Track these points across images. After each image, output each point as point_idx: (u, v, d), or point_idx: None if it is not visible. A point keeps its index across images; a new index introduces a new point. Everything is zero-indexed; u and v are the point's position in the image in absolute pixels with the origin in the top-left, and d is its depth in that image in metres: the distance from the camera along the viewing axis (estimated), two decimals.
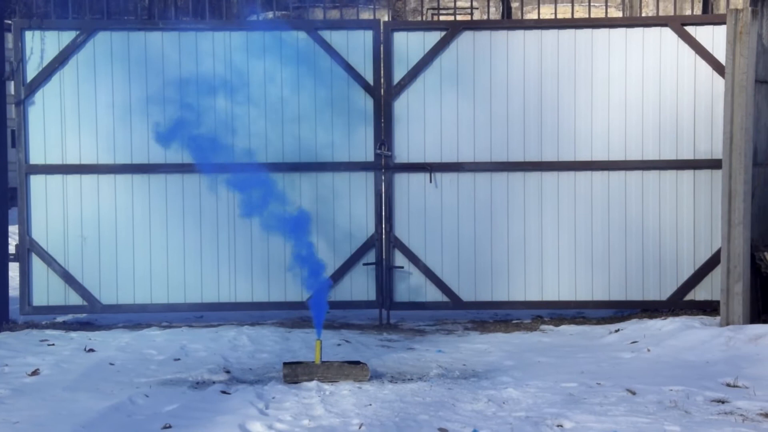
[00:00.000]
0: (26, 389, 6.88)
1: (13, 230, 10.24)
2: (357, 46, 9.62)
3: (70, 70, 9.58)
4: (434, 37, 9.66)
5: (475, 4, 18.20)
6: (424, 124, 9.66)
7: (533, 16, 18.12)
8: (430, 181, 9.65)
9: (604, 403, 6.38)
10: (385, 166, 9.63)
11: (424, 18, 20.30)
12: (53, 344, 8.54)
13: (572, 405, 6.34)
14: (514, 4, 21.16)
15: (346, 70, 9.60)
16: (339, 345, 8.49)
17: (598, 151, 9.62)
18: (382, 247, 9.65)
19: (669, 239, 9.61)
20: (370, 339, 8.86)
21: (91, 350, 8.26)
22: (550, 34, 9.63)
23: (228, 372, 7.42)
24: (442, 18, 17.57)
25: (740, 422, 5.94)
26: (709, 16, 10.03)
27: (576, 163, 9.62)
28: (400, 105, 9.66)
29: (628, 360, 7.77)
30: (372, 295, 9.68)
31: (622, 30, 9.65)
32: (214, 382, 7.11)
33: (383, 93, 9.64)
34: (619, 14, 19.09)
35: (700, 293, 9.62)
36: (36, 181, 9.61)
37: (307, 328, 9.07)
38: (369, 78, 9.62)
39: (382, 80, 9.64)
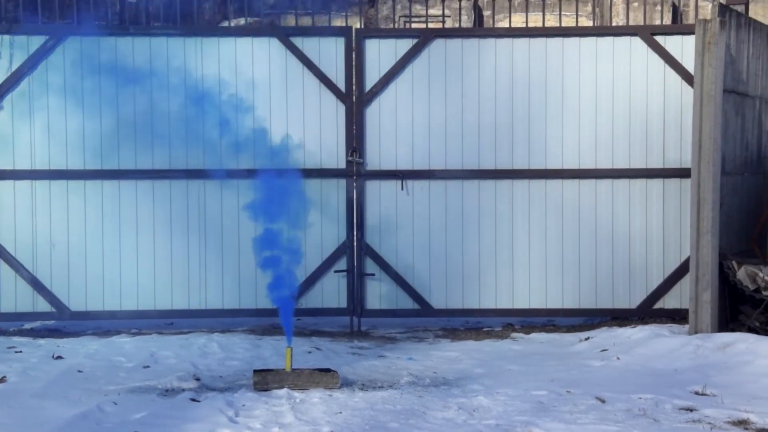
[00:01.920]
0: None
1: None
2: (329, 52, 9.62)
3: (40, 74, 9.50)
4: (406, 44, 9.68)
5: (447, 12, 18.25)
6: (396, 131, 9.67)
7: (505, 24, 18.18)
8: (402, 189, 9.66)
9: (574, 411, 6.40)
10: (356, 173, 9.63)
11: (396, 25, 20.31)
12: (21, 351, 8.46)
13: (542, 413, 6.36)
14: (486, 13, 21.24)
15: (317, 76, 9.60)
16: (310, 352, 8.47)
17: (568, 159, 9.67)
18: (354, 254, 9.64)
19: (639, 247, 9.67)
20: (341, 346, 8.85)
21: (60, 357, 8.19)
22: (521, 43, 9.68)
23: (198, 379, 7.38)
24: (414, 26, 17.60)
25: (708, 430, 5.98)
26: (678, 26, 10.16)
27: (547, 171, 9.66)
28: (371, 112, 9.67)
29: (598, 368, 7.81)
30: (343, 303, 9.67)
31: (592, 39, 9.72)
32: (183, 390, 7.07)
33: (355, 100, 9.64)
34: (590, 23, 19.20)
35: (669, 301, 9.68)
36: (4, 187, 9.53)
37: (277, 335, 9.04)
38: (341, 85, 9.62)
39: (354, 87, 9.64)
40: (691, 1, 18.84)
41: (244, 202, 8.89)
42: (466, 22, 20.11)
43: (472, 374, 7.64)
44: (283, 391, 6.93)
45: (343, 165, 9.63)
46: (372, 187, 9.67)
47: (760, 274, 8.57)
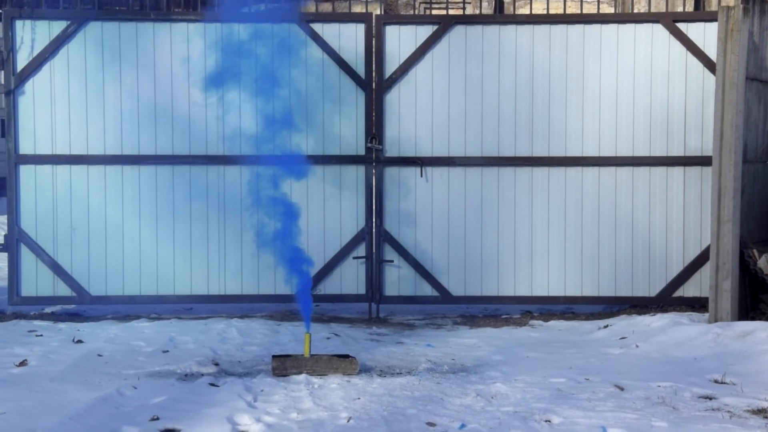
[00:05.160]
0: (13, 380, 6.86)
1: (2, 220, 10.20)
2: (349, 39, 9.61)
3: (61, 60, 9.54)
4: (426, 31, 9.66)
5: None
6: (416, 118, 9.65)
7: (525, 11, 18.11)
8: (421, 175, 9.64)
9: (592, 399, 6.39)
10: (375, 159, 9.63)
11: (416, 12, 20.24)
12: (41, 335, 8.52)
13: (560, 400, 6.36)
14: None
15: (337, 63, 9.59)
16: (328, 338, 8.49)
17: (588, 147, 9.63)
18: (372, 240, 9.64)
19: (659, 235, 9.63)
20: (359, 333, 8.87)
21: (80, 341, 8.24)
22: (542, 30, 9.63)
23: (217, 364, 7.42)
24: (434, 12, 17.55)
25: (727, 418, 5.96)
26: (700, 12, 10.04)
27: (567, 158, 9.63)
28: (391, 99, 9.66)
29: (617, 356, 7.79)
30: (362, 289, 9.68)
31: (613, 26, 9.66)
32: (202, 375, 7.11)
33: (375, 86, 9.62)
34: (611, 10, 19.07)
35: (688, 290, 9.64)
36: (25, 171, 9.58)
37: (296, 321, 9.07)
38: (361, 71, 9.61)
39: (373, 74, 9.63)
40: None
41: (264, 188, 8.89)
42: (487, 8, 20.03)
43: (490, 361, 7.64)
44: (302, 377, 6.95)
45: (362, 151, 9.63)
46: (391, 173, 9.67)
47: None
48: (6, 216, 9.67)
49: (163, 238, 9.58)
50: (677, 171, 9.63)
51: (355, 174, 9.65)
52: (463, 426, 5.81)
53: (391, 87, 9.64)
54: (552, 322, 9.33)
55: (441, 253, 9.67)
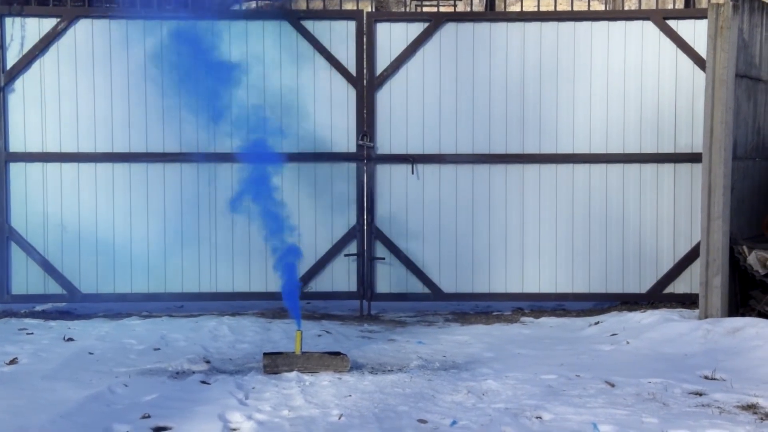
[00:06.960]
0: (4, 378, 6.85)
1: None
2: (340, 36, 9.60)
3: (51, 57, 9.52)
4: (417, 28, 9.66)
5: None
6: (407, 115, 9.65)
7: (516, 8, 18.09)
8: (412, 173, 9.65)
9: (583, 395, 6.41)
10: (367, 157, 9.63)
11: (407, 9, 20.18)
12: (32, 333, 8.50)
13: (551, 397, 6.37)
14: None
15: (328, 60, 9.58)
16: (320, 336, 8.49)
17: (579, 144, 9.65)
18: (364, 238, 9.65)
19: (649, 232, 9.66)
20: (350, 330, 8.87)
21: (71, 339, 8.23)
22: (533, 27, 9.64)
23: (208, 362, 7.41)
24: (425, 9, 17.48)
25: (717, 414, 5.98)
26: (690, 10, 10.05)
27: (558, 155, 9.64)
28: (382, 96, 9.65)
29: (608, 352, 7.81)
30: (353, 286, 9.68)
31: (604, 23, 9.68)
32: (193, 372, 7.10)
33: (366, 84, 9.62)
34: (602, 7, 19.07)
35: (679, 286, 9.67)
36: (16, 169, 9.55)
37: (287, 318, 9.06)
38: (352, 69, 9.61)
39: (365, 71, 9.62)
40: None
41: (255, 186, 8.90)
42: (478, 5, 20.00)
43: (481, 358, 7.65)
44: (293, 374, 6.95)
45: (353, 149, 9.63)
46: (382, 171, 9.67)
47: None
48: None
49: (153, 235, 9.56)
50: (667, 168, 9.66)
51: (347, 171, 9.64)
52: (454, 423, 5.82)
53: (382, 84, 9.64)
54: (543, 319, 9.35)
55: (432, 251, 9.68)
